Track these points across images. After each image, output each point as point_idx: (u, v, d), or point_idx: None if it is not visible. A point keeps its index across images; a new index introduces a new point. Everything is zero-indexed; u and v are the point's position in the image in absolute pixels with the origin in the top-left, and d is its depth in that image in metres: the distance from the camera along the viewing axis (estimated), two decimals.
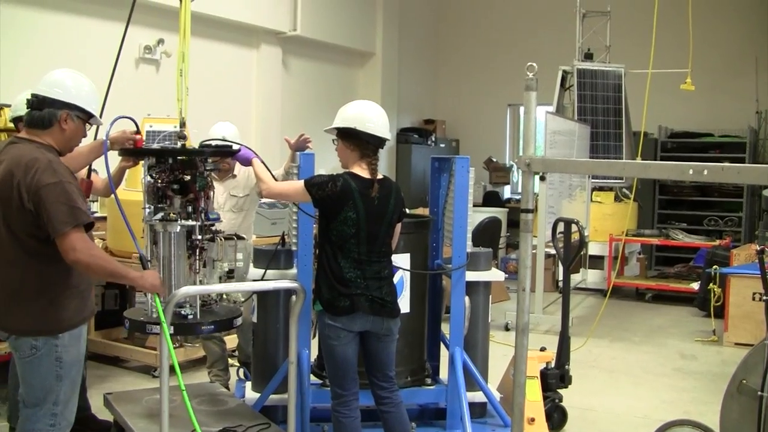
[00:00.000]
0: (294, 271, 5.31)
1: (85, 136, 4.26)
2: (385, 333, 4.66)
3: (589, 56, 12.47)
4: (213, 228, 4.58)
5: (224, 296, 4.74)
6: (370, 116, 4.64)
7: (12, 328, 3.95)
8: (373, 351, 4.69)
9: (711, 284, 9.76)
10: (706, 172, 3.28)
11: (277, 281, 5.12)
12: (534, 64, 4.16)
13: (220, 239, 4.57)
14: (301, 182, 4.60)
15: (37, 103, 3.95)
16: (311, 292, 4.81)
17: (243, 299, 5.47)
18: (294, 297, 4.91)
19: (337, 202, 4.48)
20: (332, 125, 4.68)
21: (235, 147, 4.89)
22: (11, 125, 5.64)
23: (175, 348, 7.24)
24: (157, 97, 8.58)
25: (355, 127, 4.58)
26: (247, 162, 4.89)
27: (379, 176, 4.67)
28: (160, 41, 9.91)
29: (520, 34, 15.91)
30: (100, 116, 4.82)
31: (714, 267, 9.88)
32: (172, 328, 4.22)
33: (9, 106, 5.80)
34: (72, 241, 3.73)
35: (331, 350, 4.60)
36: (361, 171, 4.59)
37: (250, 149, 4.89)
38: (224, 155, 5.07)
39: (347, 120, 4.62)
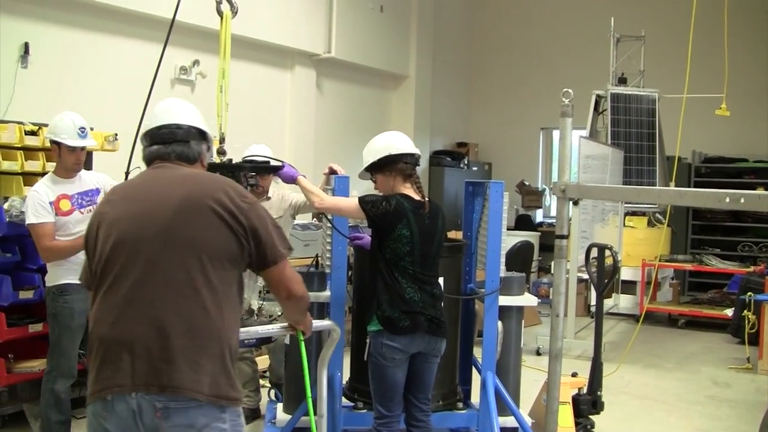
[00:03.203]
0: (327, 293, 5.32)
1: None
2: (435, 354, 4.74)
3: (623, 81, 12.43)
4: None
5: (261, 311, 4.75)
6: (395, 140, 4.79)
7: (194, 389, 2.89)
8: (419, 372, 4.73)
9: (745, 311, 9.66)
10: (743, 200, 3.27)
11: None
12: (570, 91, 4.16)
13: None
14: (355, 199, 4.69)
15: (183, 134, 3.30)
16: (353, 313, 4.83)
17: (280, 313, 5.49)
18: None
19: (391, 220, 4.57)
20: (364, 166, 4.80)
21: (278, 164, 4.96)
22: (48, 144, 5.69)
23: None
24: None
25: (389, 154, 4.66)
26: (291, 179, 4.94)
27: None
28: (196, 62, 9.99)
29: (554, 58, 15.91)
30: (136, 137, 4.89)
31: (748, 293, 9.78)
32: None
33: (46, 125, 5.86)
34: (292, 272, 3.27)
35: (383, 371, 4.62)
36: (409, 192, 4.72)
37: (293, 167, 4.95)
38: (269, 171, 5.13)
39: (378, 152, 4.74)
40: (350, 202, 4.76)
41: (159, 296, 2.94)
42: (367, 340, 4.69)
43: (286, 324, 3.75)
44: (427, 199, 4.78)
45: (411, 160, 4.76)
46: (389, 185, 4.74)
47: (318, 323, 4.46)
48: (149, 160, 3.31)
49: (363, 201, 4.63)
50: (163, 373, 2.87)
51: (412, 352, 4.61)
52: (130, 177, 4.66)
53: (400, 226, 4.56)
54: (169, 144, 3.26)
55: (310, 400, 4.02)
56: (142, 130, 3.36)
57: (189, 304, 2.95)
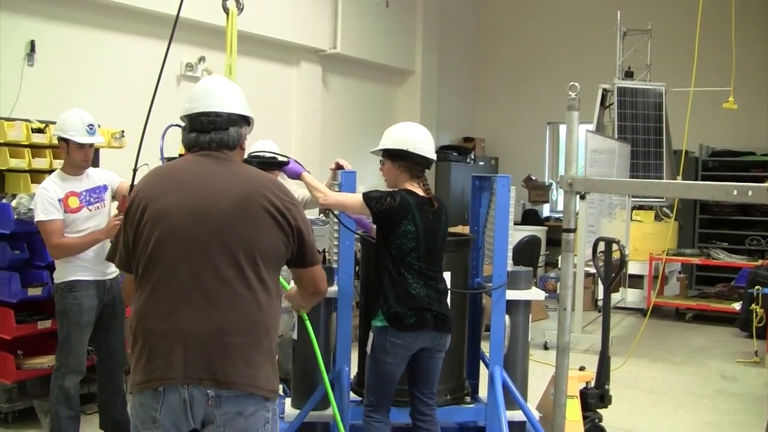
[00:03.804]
0: (335, 288, 5.32)
1: None
2: (439, 349, 4.73)
3: (629, 74, 12.41)
4: None
5: None
6: (419, 138, 4.72)
7: (251, 384, 3.01)
8: (424, 367, 4.73)
9: (753, 305, 9.64)
10: (750, 193, 3.26)
11: None
12: (576, 84, 4.15)
13: None
14: (360, 195, 4.67)
15: (222, 122, 3.24)
16: (360, 308, 4.83)
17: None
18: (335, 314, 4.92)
19: (395, 216, 4.55)
20: (380, 146, 4.75)
21: (284, 160, 4.96)
22: (55, 142, 5.71)
23: None
24: None
25: (406, 149, 4.64)
26: (296, 175, 4.94)
27: None
28: (202, 59, 10.01)
29: (560, 52, 15.89)
30: (143, 133, 4.89)
31: (756, 287, 9.76)
32: None
33: (53, 123, 5.87)
34: (321, 271, 3.43)
35: (382, 366, 4.63)
36: (414, 189, 4.68)
37: (298, 163, 4.95)
38: (275, 167, 5.13)
39: (396, 142, 4.69)
40: (354, 198, 4.74)
41: (215, 293, 3.00)
42: (370, 334, 4.69)
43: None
44: (433, 194, 4.75)
45: (424, 162, 4.72)
46: (394, 175, 4.72)
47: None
48: (189, 146, 3.29)
49: (367, 197, 4.61)
50: (217, 368, 2.94)
51: (416, 348, 4.61)
52: (138, 173, 4.66)
53: (405, 221, 4.54)
54: (207, 133, 3.23)
55: (324, 372, 4.07)
56: (183, 112, 3.31)
57: (244, 301, 3.02)
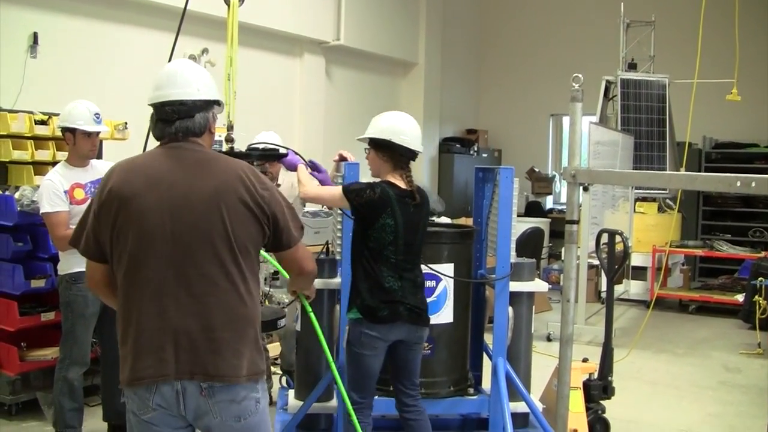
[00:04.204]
0: (338, 280, 5.32)
1: None
2: (416, 341, 4.69)
3: (632, 66, 12.38)
4: None
5: (271, 297, 4.75)
6: (405, 128, 4.66)
7: (238, 374, 3.06)
8: (403, 359, 4.70)
9: (756, 296, 9.65)
10: (754, 184, 3.27)
11: None
12: (580, 75, 4.15)
13: None
14: (339, 188, 4.63)
15: (186, 110, 3.16)
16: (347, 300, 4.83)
17: (288, 301, 5.47)
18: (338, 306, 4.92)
19: (375, 209, 4.49)
20: (366, 134, 4.70)
21: (283, 151, 4.95)
22: (58, 134, 5.71)
23: None
24: None
25: (390, 140, 4.59)
26: (293, 167, 4.94)
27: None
28: (205, 50, 9.98)
29: (564, 44, 15.87)
30: (150, 126, 4.88)
31: (759, 279, 9.76)
32: None
33: (56, 114, 5.86)
34: (304, 250, 3.39)
35: (359, 359, 4.59)
36: (397, 181, 4.61)
37: (298, 154, 4.95)
38: (273, 158, 5.13)
39: (382, 131, 4.63)
40: (333, 192, 4.70)
41: (199, 290, 3.03)
42: (346, 327, 4.68)
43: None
44: (416, 187, 4.68)
45: (408, 154, 4.65)
46: (377, 165, 4.66)
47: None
48: (157, 136, 3.24)
49: (347, 190, 4.55)
50: (208, 364, 3.02)
51: (392, 340, 4.57)
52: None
53: (385, 215, 4.48)
54: (172, 123, 3.16)
55: (328, 353, 4.10)
56: (147, 100, 3.23)
57: (228, 296, 3.06)
